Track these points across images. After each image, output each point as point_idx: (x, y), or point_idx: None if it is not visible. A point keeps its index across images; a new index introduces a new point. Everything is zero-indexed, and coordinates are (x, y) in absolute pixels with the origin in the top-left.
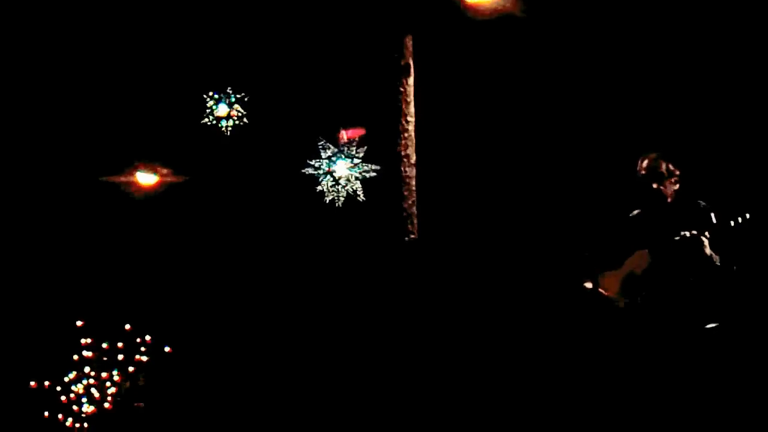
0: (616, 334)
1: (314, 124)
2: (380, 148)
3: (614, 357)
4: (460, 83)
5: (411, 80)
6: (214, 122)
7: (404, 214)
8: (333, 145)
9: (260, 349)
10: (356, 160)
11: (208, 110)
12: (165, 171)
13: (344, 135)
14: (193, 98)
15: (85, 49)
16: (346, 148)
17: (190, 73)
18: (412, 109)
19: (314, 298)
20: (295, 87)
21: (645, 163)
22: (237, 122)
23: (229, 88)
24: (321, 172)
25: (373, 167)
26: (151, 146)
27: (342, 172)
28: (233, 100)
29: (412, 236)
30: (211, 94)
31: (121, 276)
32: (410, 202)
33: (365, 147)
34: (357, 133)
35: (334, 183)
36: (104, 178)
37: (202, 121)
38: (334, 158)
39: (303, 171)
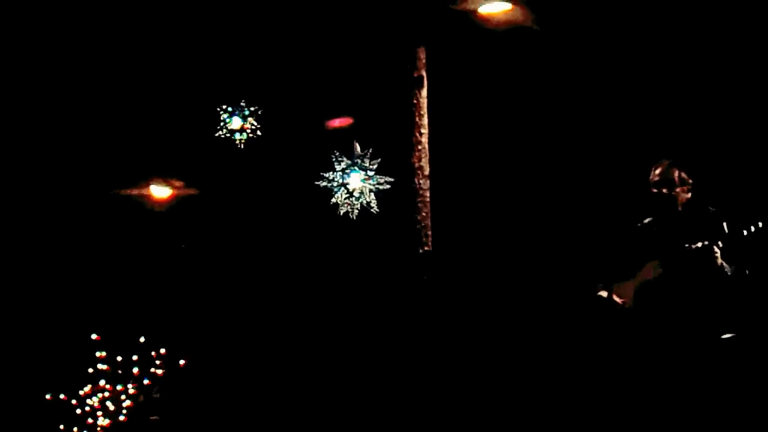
0: (631, 343)
1: (328, 136)
2: (394, 160)
3: (629, 367)
4: (473, 95)
5: (424, 92)
6: (228, 135)
7: (418, 226)
8: (347, 158)
9: (276, 362)
10: (370, 173)
11: (221, 123)
12: (179, 184)
13: (332, 124)
14: (206, 111)
15: (98, 62)
16: (360, 161)
17: (203, 86)
18: (425, 121)
19: (329, 311)
20: (308, 99)
21: (657, 170)
22: (250, 135)
23: (242, 101)
24: (335, 184)
25: (387, 179)
26: (164, 160)
27: (356, 184)
28: (247, 113)
29: (427, 249)
30: (224, 107)
31: (136, 289)
32: (424, 214)
33: (379, 159)
34: (344, 122)
35: (348, 195)
36: (118, 192)
37: (216, 135)
38: (347, 171)
39: (317, 183)
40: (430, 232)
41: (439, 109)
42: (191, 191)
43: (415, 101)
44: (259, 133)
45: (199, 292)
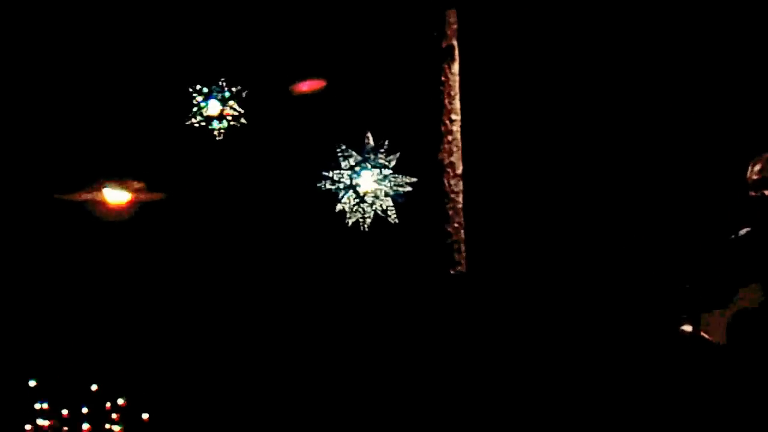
0: (724, 393)
1: (331, 125)
2: (417, 155)
3: (723, 424)
4: (519, 71)
5: (456, 67)
6: (203, 124)
7: (449, 240)
8: (356, 153)
9: (264, 416)
10: (386, 172)
11: (195, 108)
12: (139, 186)
13: (299, 89)
14: (174, 92)
15: (33, 28)
16: (373, 156)
17: (171, 60)
18: (457, 104)
19: (334, 350)
20: (305, 77)
21: (757, 167)
22: (232, 123)
23: (221, 79)
24: (341, 186)
25: (408, 180)
26: (120, 155)
27: (368, 186)
28: (227, 95)
29: (460, 269)
30: (198, 87)
31: (86, 322)
32: (456, 224)
33: (398, 154)
34: (314, 85)
35: (358, 201)
36: (60, 197)
37: (187, 123)
38: (357, 169)
39: (318, 186)
40: (464, 248)
41: (475, 90)
42: (155, 196)
43: (443, 79)
44: (243, 120)
45: (167, 326)
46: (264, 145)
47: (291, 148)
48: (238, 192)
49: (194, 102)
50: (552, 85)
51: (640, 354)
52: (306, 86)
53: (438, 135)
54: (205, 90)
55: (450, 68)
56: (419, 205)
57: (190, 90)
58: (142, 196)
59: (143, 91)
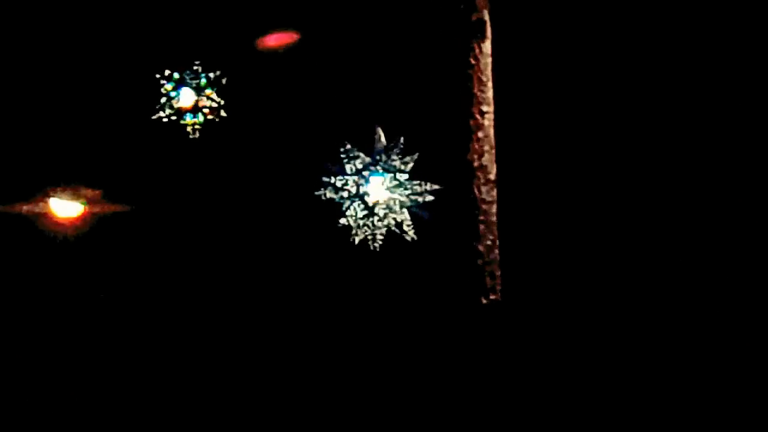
0: None
1: (333, 119)
2: (440, 156)
3: None
4: (565, 51)
5: (488, 46)
6: (173, 118)
7: (480, 261)
8: (364, 153)
9: None
10: (401, 177)
11: (163, 99)
12: (93, 195)
13: (269, 41)
14: (138, 79)
15: None
16: (385, 158)
17: (133, 39)
18: (489, 93)
19: (339, 395)
20: (301, 61)
21: None
22: (209, 117)
23: (196, 63)
24: (346, 195)
25: (429, 188)
26: (71, 156)
27: (379, 195)
28: (203, 82)
29: (493, 297)
30: (167, 72)
31: (36, 359)
32: (489, 242)
33: (416, 155)
34: (284, 39)
35: (366, 213)
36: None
37: (155, 117)
38: (365, 173)
39: (317, 194)
40: (498, 272)
41: (511, 75)
42: (114, 207)
43: (472, 61)
44: (223, 113)
45: (138, 364)
46: (249, 145)
47: (283, 148)
48: (217, 203)
49: (162, 91)
50: (607, 70)
51: (711, 395)
52: (274, 40)
53: (466, 131)
54: (176, 76)
55: (480, 48)
56: (443, 218)
57: (158, 76)
58: (98, 208)
59: (99, 77)
